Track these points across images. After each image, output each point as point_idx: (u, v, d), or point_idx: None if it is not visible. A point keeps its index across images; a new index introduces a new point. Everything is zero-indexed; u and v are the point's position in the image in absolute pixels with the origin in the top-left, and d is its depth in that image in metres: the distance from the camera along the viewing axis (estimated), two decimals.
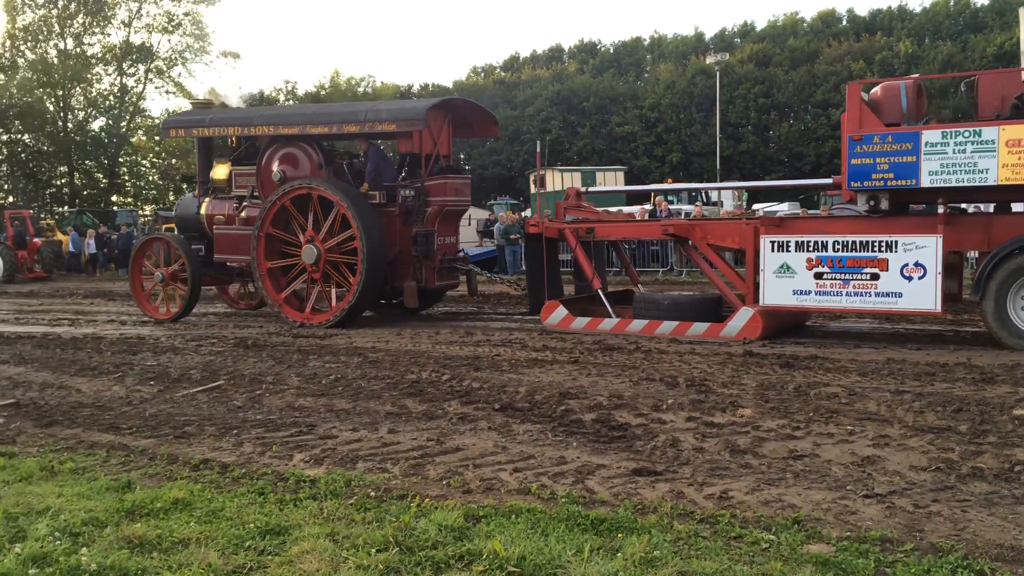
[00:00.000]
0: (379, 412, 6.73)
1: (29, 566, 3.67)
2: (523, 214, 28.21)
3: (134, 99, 48.99)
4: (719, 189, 29.44)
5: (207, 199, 14.05)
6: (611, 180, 35.73)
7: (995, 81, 9.92)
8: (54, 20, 46.68)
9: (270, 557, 3.83)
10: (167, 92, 51.40)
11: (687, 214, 21.28)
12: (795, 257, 9.93)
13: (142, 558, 3.82)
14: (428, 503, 4.47)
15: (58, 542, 3.97)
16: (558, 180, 34.93)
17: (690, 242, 11.27)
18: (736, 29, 55.64)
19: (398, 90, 52.84)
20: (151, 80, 49.83)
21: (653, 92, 47.01)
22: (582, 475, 4.98)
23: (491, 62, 62.76)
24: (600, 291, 11.61)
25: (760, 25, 54.96)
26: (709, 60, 42.78)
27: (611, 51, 57.64)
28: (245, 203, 13.41)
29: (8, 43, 46.95)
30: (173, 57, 49.60)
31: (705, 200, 27.25)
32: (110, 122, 48.23)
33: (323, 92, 50.64)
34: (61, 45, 47.23)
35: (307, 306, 12.79)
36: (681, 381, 7.63)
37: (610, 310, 11.37)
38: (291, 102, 49.79)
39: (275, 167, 13.06)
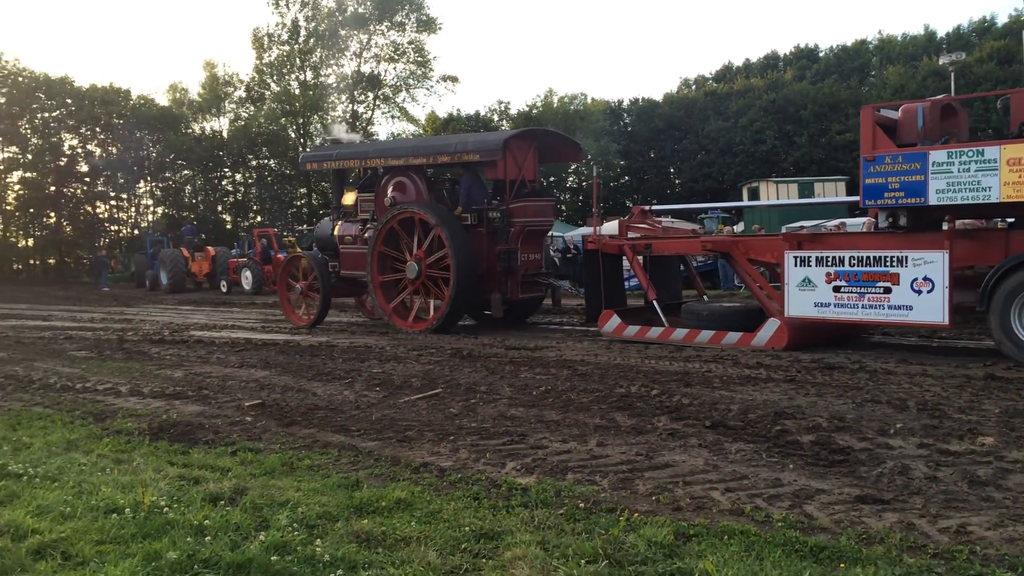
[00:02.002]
0: (588, 424, 6.78)
1: (271, 553, 4.02)
2: (733, 227, 27.40)
3: (364, 124, 52.56)
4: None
5: (339, 222, 16.02)
6: (831, 191, 33.92)
7: None
8: (296, 55, 51.15)
9: (484, 560, 3.96)
10: (392, 117, 54.80)
11: None
12: (816, 271, 10.51)
13: (369, 552, 4.08)
14: (637, 518, 4.45)
15: (296, 533, 4.32)
16: (773, 192, 33.68)
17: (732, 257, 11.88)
18: (973, 26, 51.14)
19: (607, 106, 52.96)
20: (378, 106, 53.44)
21: (879, 97, 44.13)
22: (800, 499, 4.76)
23: (703, 73, 61.41)
24: (655, 301, 12.25)
25: (1001, 20, 50.20)
26: (943, 60, 39.47)
27: (832, 56, 54.78)
28: (368, 225, 15.11)
29: (256, 77, 52.11)
30: (398, 84, 52.95)
31: None
32: None
33: (535, 111, 51.68)
34: (301, 77, 51.67)
35: (410, 315, 14.32)
36: (911, 404, 7.12)
37: (663, 319, 12.04)
38: (504, 123, 51.38)
39: (388, 193, 14.73)
